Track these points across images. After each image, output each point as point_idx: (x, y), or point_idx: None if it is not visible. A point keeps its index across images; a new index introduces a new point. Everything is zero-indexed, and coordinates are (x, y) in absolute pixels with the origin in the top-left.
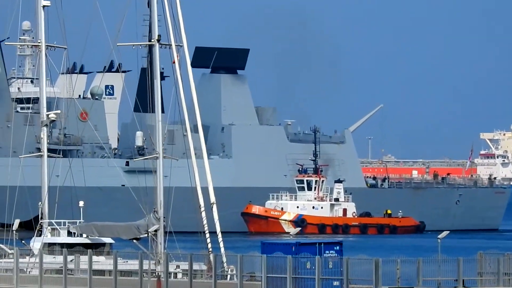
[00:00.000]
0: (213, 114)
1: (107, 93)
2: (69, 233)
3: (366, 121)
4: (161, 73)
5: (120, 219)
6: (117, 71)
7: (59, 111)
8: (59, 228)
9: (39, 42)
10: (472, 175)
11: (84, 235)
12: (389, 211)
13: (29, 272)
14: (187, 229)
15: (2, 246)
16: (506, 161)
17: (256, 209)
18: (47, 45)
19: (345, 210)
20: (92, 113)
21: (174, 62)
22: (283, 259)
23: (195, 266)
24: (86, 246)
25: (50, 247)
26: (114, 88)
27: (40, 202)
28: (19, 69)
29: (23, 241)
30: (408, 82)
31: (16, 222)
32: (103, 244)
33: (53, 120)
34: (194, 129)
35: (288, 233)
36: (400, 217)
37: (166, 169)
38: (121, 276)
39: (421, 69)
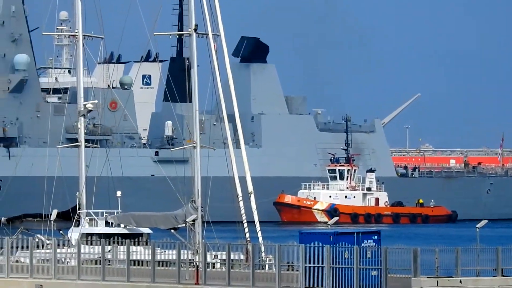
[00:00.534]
0: (243, 103)
1: (144, 82)
2: (107, 223)
3: (403, 110)
4: (190, 62)
5: (151, 209)
6: (154, 60)
7: (96, 101)
8: (97, 218)
9: (76, 32)
10: (503, 164)
11: (122, 225)
12: (421, 201)
13: (67, 262)
14: (224, 219)
15: (40, 236)
16: None
17: (289, 199)
18: (84, 35)
19: (377, 200)
20: (122, 103)
21: (215, 49)
22: (321, 248)
23: (233, 256)
24: (124, 236)
25: (88, 238)
26: (151, 77)
27: (77, 193)
28: (57, 59)
29: (61, 232)
30: (447, 67)
31: (54, 213)
32: (141, 234)
33: (90, 110)
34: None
35: (323, 222)
36: (432, 206)
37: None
38: (159, 267)
39: (461, 53)
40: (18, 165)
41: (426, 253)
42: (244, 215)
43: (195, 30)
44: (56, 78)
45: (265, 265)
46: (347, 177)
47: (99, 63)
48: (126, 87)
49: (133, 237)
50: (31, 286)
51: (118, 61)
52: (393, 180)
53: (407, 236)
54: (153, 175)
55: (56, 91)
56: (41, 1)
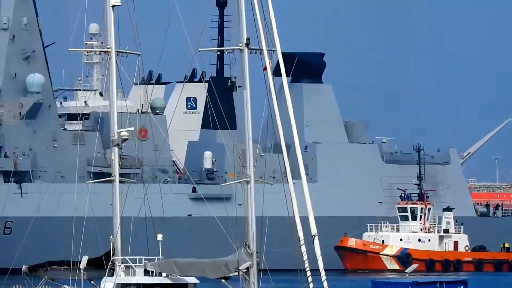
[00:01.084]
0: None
1: (188, 106)
2: (146, 272)
3: (491, 138)
4: (233, 83)
5: (190, 255)
6: (200, 81)
7: (132, 128)
8: (134, 266)
9: (108, 48)
10: None
11: (164, 274)
12: (506, 245)
13: None
14: (283, 266)
15: (68, 287)
16: None
17: (352, 243)
18: (117, 51)
19: (456, 243)
20: (153, 130)
21: (265, 69)
22: None
23: None
24: (166, 287)
25: None
26: (196, 100)
27: (111, 236)
28: (86, 79)
29: (92, 282)
30: None
31: (84, 260)
32: (186, 285)
33: (126, 139)
34: (273, 149)
35: (393, 270)
36: None
37: (240, 195)
38: None
39: None
40: (38, 203)
41: None
42: (306, 261)
43: (247, 45)
44: (85, 102)
45: None
46: (421, 217)
47: (136, 84)
48: (158, 111)
49: None
50: None
51: (158, 81)
52: (473, 221)
53: (494, 286)
54: (190, 215)
55: (71, 117)
56: (67, 13)
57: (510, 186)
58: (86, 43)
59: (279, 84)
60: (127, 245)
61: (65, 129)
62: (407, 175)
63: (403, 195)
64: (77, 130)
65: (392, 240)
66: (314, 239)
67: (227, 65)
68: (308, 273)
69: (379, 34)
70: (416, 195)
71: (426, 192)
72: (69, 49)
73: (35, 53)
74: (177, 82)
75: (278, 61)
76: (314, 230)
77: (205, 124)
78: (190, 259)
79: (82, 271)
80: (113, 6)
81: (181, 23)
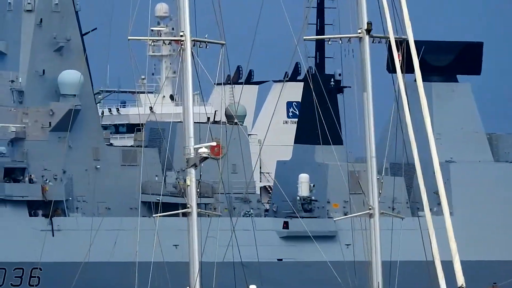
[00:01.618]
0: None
1: (290, 114)
2: None
3: None
4: (337, 82)
5: None
6: (305, 79)
7: (214, 143)
8: None
9: (181, 36)
10: None
11: None
12: None
13: None
14: None
15: None
16: None
17: None
18: (194, 40)
19: None
20: (231, 146)
21: (399, 60)
22: None
23: None
24: None
25: None
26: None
27: None
28: (151, 78)
29: None
30: None
31: None
32: None
33: (205, 158)
34: (392, 170)
35: None
36: None
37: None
38: None
39: None
40: (87, 243)
41: None
42: None
43: (369, 31)
44: (151, 108)
45: None
46: None
47: (218, 83)
48: (237, 121)
49: None
50: None
51: (249, 80)
52: None
53: None
54: (280, 259)
55: (119, 128)
56: None
57: None
58: (151, 29)
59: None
60: None
61: (110, 144)
62: None
63: None
64: (129, 147)
65: None
66: None
67: (329, 58)
68: None
69: None
70: None
71: None
72: (129, 37)
73: (70, 42)
74: (275, 81)
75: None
76: (461, 280)
77: (300, 138)
78: None
79: None
80: None
81: (277, 3)
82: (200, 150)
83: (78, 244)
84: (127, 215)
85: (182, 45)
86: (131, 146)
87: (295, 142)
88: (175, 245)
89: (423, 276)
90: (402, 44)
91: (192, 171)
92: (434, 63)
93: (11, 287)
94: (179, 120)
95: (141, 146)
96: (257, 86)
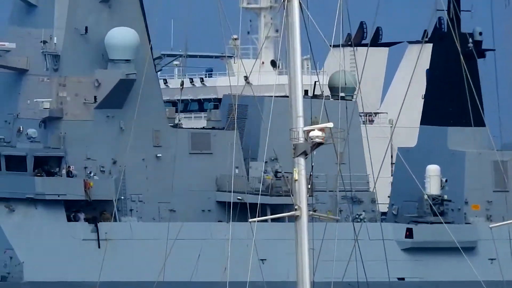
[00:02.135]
0: None
1: None
2: None
3: None
4: (477, 43)
5: None
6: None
7: (331, 124)
8: None
9: None
10: None
11: None
12: None
13: None
14: None
15: None
16: None
17: None
18: None
19: None
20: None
21: None
22: None
23: None
24: None
25: None
26: None
27: None
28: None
29: None
30: None
31: None
32: None
33: (319, 144)
34: None
35: None
36: None
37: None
38: None
39: None
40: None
41: None
42: None
43: None
44: (246, 78)
45: None
46: None
47: (335, 45)
48: (341, 94)
49: None
50: None
51: (376, 41)
52: None
53: None
54: (403, 278)
55: (188, 105)
56: None
57: None
58: None
59: None
60: None
61: (176, 125)
62: None
63: None
64: (200, 129)
65: None
66: None
67: (466, 12)
68: None
69: None
70: None
71: None
72: None
73: None
74: (410, 43)
75: None
76: None
77: (428, 117)
78: None
79: None
80: None
81: None
82: (312, 134)
83: (132, 258)
84: (197, 219)
85: None
86: (203, 128)
87: (421, 124)
88: (262, 260)
89: None
90: None
91: (302, 161)
92: None
93: None
94: (269, 95)
95: (217, 128)
96: (387, 48)
